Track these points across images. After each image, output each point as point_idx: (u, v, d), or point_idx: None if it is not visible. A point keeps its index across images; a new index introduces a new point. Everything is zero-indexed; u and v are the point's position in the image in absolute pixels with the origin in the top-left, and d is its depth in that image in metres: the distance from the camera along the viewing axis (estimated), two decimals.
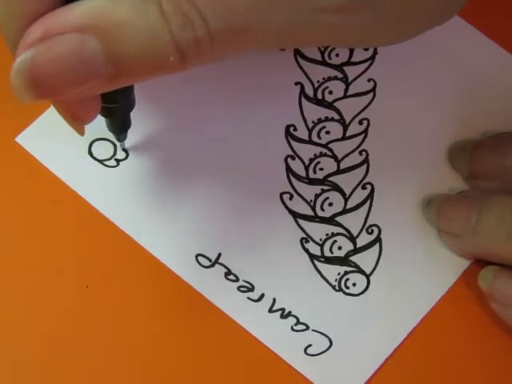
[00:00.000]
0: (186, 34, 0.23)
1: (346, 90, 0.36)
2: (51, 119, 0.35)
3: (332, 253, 0.33)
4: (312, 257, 0.33)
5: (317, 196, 0.34)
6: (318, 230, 0.34)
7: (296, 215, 0.34)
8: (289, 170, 0.35)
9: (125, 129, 0.33)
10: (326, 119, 0.36)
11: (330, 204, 0.34)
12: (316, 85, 0.36)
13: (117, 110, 0.31)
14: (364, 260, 0.33)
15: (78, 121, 0.28)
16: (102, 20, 0.23)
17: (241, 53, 0.26)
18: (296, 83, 0.36)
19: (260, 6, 0.23)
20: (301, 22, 0.24)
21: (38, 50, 0.23)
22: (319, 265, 0.33)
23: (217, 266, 0.33)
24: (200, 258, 0.33)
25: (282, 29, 0.24)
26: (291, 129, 0.35)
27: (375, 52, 0.37)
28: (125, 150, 0.34)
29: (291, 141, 0.35)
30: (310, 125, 0.35)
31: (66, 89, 0.24)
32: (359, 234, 0.34)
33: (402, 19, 0.26)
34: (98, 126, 0.34)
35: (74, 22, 0.23)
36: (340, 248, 0.34)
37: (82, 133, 0.29)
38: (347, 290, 0.33)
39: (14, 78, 0.24)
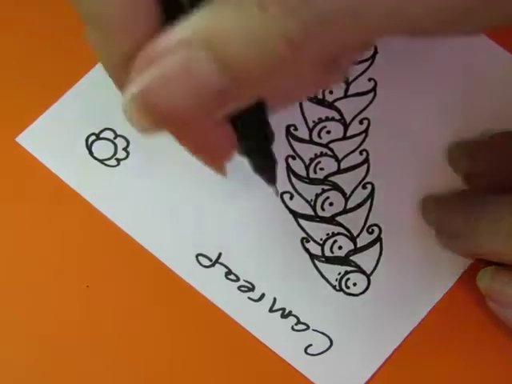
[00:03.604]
0: (290, 21, 0.21)
1: (347, 89, 0.36)
2: (51, 119, 0.35)
3: (332, 252, 0.33)
4: (312, 256, 0.33)
5: (317, 196, 0.34)
6: (318, 230, 0.34)
7: (296, 215, 0.34)
8: (289, 169, 0.35)
9: (269, 167, 0.29)
10: (327, 119, 0.36)
11: (331, 204, 0.34)
12: None
13: (253, 145, 0.28)
14: (364, 260, 0.33)
15: (214, 156, 0.27)
16: (205, 29, 0.22)
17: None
18: None
19: None
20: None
21: (147, 75, 0.22)
22: (320, 265, 0.33)
23: (217, 265, 0.33)
24: (200, 257, 0.33)
25: (391, 11, 0.22)
26: (292, 128, 0.35)
27: (375, 52, 0.37)
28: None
29: (292, 141, 0.35)
30: (311, 124, 0.35)
31: (183, 108, 0.23)
32: (360, 233, 0.34)
33: None
34: (98, 125, 0.34)
35: (177, 38, 0.22)
36: (340, 248, 0.34)
37: (224, 173, 0.27)
38: (348, 290, 0.33)
39: (128, 108, 0.23)
